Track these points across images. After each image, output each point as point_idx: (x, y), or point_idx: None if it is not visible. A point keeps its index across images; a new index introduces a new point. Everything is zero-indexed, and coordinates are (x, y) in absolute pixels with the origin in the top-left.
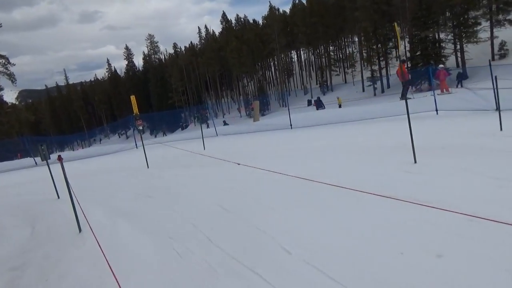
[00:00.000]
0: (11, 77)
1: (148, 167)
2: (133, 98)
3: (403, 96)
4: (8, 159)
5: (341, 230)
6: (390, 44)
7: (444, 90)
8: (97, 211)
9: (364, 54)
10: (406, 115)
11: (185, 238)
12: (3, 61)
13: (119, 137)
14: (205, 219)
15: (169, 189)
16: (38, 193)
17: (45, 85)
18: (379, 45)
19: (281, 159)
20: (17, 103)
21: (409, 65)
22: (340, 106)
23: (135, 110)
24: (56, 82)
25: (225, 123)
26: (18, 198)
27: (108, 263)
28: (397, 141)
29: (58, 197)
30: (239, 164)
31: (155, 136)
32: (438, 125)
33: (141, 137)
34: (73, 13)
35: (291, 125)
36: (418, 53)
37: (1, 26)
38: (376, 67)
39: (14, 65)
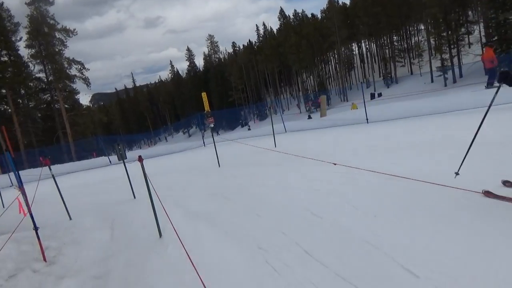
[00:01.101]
0: (86, 81)
1: (219, 165)
2: (204, 95)
3: (490, 85)
4: (84, 158)
5: (479, 248)
6: (462, 30)
7: None
8: (175, 213)
9: (433, 43)
10: (496, 106)
11: (278, 249)
12: (79, 67)
13: (169, 136)
14: (295, 227)
15: (246, 190)
16: (114, 192)
17: (115, 88)
18: (450, 32)
19: (366, 157)
20: (91, 105)
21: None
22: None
23: (206, 107)
24: (125, 85)
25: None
26: (95, 197)
27: (200, 278)
28: (504, 135)
29: (134, 197)
30: (335, 164)
31: (203, 134)
32: None
33: (212, 135)
34: (138, 20)
35: (367, 119)
36: (495, 38)
37: (77, 34)
38: (446, 56)
39: (89, 69)
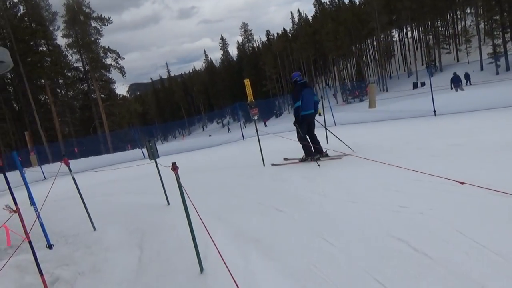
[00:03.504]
0: (121, 70)
1: (264, 164)
2: (247, 82)
3: None
4: (120, 149)
5: None
6: None
7: None
8: (217, 232)
9: (482, 27)
10: None
11: None
12: (114, 56)
13: (201, 128)
14: (390, 268)
15: (302, 200)
16: (146, 193)
17: (151, 78)
18: (505, 14)
19: (461, 162)
20: (127, 95)
21: None
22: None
23: (250, 96)
24: (160, 75)
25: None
26: (125, 198)
27: None
28: None
29: (168, 203)
30: (462, 183)
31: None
32: None
33: (256, 128)
34: (172, 10)
35: (434, 111)
36: None
37: (112, 22)
38: (499, 41)
39: (124, 58)
